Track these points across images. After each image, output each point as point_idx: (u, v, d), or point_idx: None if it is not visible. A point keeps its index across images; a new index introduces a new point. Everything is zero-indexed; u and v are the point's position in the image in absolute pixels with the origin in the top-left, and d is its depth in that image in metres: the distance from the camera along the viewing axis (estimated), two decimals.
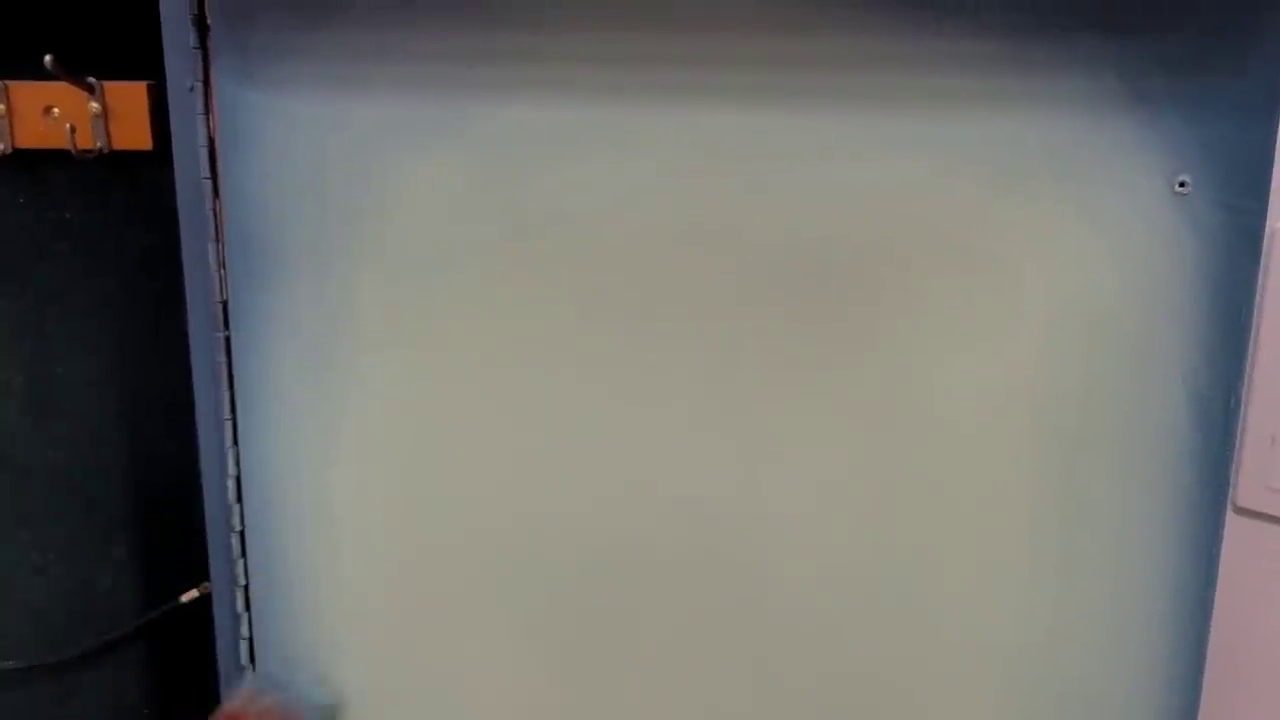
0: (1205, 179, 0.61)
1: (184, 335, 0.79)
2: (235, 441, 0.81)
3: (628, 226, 0.72)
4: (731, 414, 0.73)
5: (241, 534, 0.82)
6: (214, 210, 0.78)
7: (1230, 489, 1.45)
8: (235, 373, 0.79)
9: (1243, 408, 1.40)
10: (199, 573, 0.92)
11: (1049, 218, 0.64)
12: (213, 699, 0.86)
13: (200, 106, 0.76)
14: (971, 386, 0.69)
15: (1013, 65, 0.63)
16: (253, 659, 0.84)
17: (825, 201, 0.68)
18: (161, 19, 0.74)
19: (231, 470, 0.81)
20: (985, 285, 0.67)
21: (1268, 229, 1.36)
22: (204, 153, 0.77)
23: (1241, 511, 1.46)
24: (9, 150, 0.87)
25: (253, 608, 0.83)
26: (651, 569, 0.78)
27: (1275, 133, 0.60)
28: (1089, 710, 0.75)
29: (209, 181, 0.77)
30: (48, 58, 0.81)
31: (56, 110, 0.87)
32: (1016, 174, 0.64)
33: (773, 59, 0.66)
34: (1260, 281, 1.36)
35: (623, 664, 0.80)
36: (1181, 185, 0.62)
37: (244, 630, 0.83)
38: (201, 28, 0.74)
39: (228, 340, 0.79)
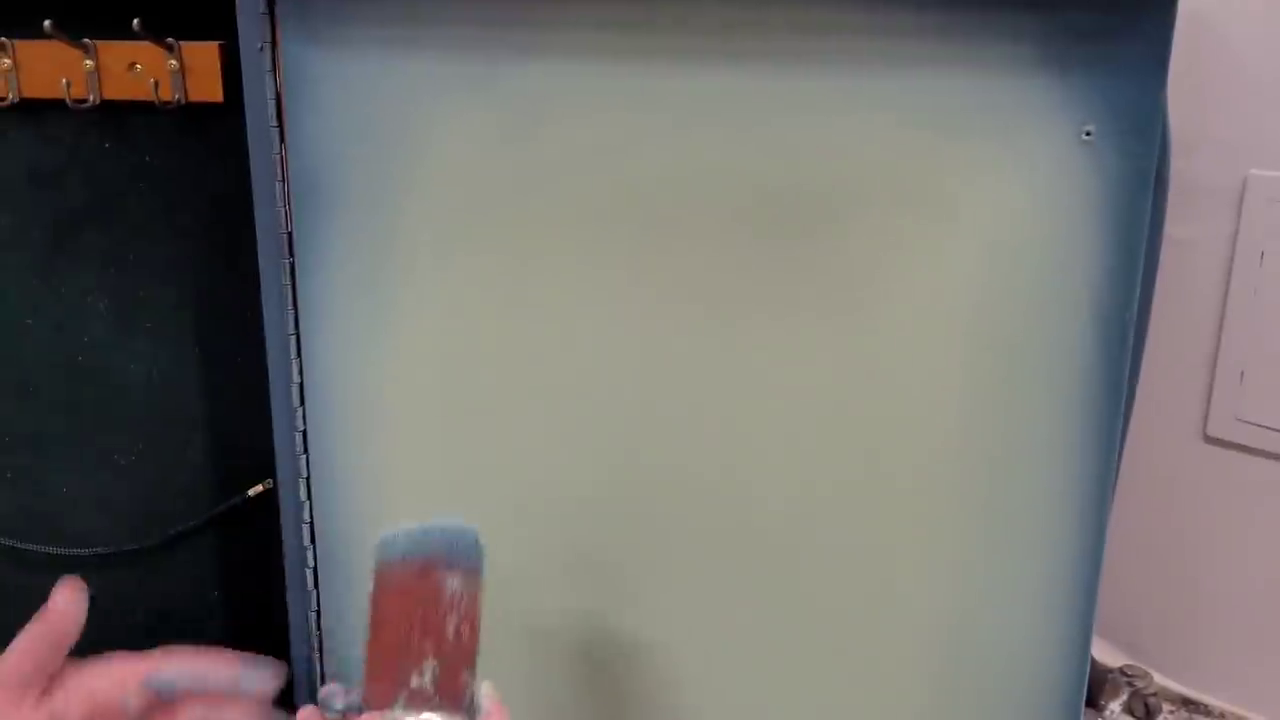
0: (1107, 129, 0.73)
1: (253, 261, 0.92)
2: (299, 354, 0.94)
3: (631, 171, 0.84)
4: (713, 328, 0.86)
5: (304, 433, 0.96)
6: (280, 154, 0.90)
7: (1202, 420, 1.56)
8: (298, 294, 0.92)
9: (1217, 344, 1.50)
10: (266, 470, 1.06)
11: (979, 162, 0.77)
12: (278, 579, 1.00)
13: (268, 64, 0.88)
14: (914, 303, 0.81)
15: (950, 34, 0.75)
16: (313, 540, 0.98)
17: (796, 149, 0.80)
18: None
19: (295, 378, 0.94)
20: (927, 218, 0.79)
21: (1242, 176, 1.46)
22: (271, 104, 0.89)
23: (1212, 441, 1.57)
24: (98, 101, 1.00)
25: (313, 497, 0.97)
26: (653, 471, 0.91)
27: (1163, 90, 0.72)
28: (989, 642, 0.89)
29: (275, 129, 0.90)
30: (135, 21, 0.94)
31: (139, 66, 0.99)
32: (953, 126, 0.77)
33: (755, 29, 0.78)
34: (1236, 228, 1.46)
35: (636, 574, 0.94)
36: (1087, 134, 0.74)
37: (306, 516, 0.97)
38: None
39: (292, 265, 0.92)
